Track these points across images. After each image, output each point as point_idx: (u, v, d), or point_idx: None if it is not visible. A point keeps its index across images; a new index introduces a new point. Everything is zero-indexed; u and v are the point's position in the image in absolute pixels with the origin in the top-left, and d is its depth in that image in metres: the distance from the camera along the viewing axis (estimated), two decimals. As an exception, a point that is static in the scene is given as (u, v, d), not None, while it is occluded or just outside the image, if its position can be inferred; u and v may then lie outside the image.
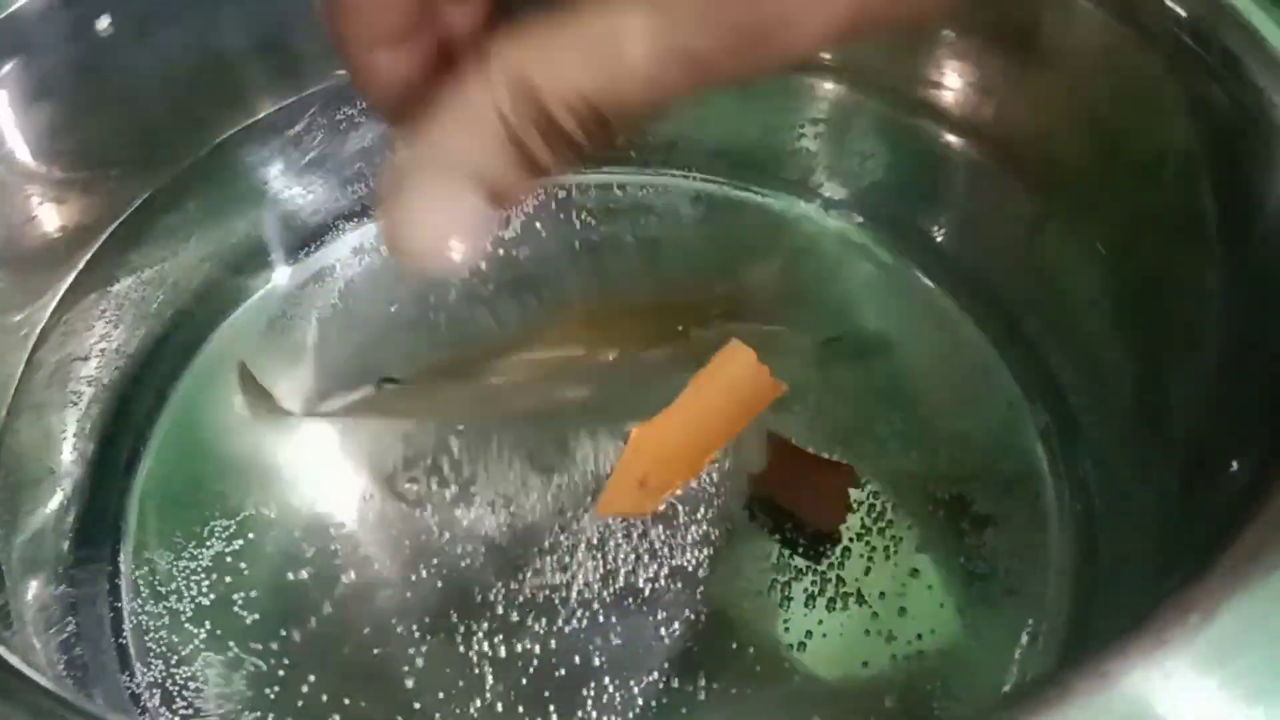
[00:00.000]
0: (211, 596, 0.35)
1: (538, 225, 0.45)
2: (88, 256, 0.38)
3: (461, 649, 0.34)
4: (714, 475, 0.37)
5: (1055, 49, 0.37)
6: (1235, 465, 0.26)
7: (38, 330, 0.36)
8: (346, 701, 0.33)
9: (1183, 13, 0.32)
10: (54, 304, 0.37)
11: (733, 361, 0.35)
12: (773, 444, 0.37)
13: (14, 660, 0.23)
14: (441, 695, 0.33)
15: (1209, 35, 0.31)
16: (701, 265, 0.43)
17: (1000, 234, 0.41)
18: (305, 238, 0.44)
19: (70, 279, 0.37)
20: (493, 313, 0.42)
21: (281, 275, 0.43)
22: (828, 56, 0.43)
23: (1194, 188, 0.32)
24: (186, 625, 0.35)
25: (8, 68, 0.34)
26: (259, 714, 0.33)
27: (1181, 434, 0.33)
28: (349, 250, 0.44)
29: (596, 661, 0.33)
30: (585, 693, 0.33)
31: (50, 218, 0.37)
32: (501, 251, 0.44)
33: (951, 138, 0.41)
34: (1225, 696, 0.20)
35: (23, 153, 0.35)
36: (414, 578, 0.35)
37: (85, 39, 0.35)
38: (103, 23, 0.35)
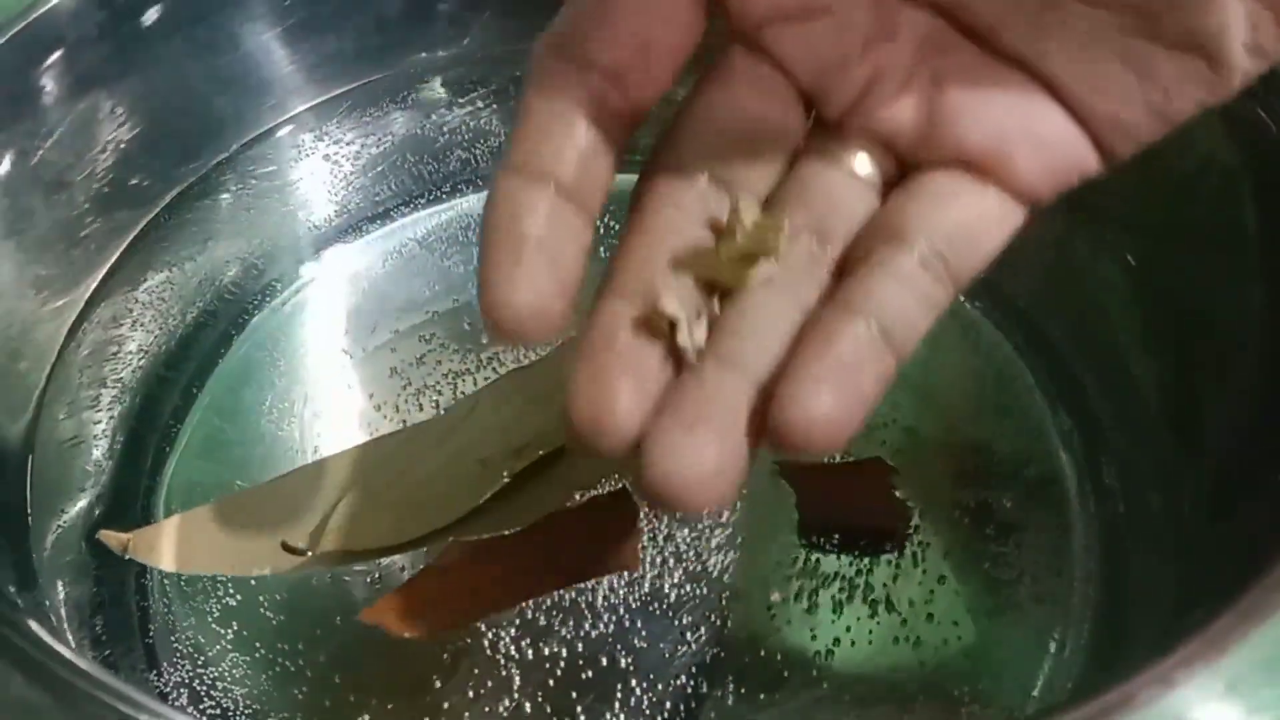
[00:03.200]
0: (238, 597, 0.35)
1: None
2: (118, 253, 0.38)
3: (489, 651, 0.34)
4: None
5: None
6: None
7: (68, 326, 0.36)
8: (374, 702, 0.33)
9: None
10: (83, 301, 0.37)
11: (614, 510, 0.35)
12: (792, 470, 0.37)
13: (66, 652, 0.23)
14: (470, 695, 0.33)
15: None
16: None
17: (1028, 243, 0.41)
18: (331, 237, 0.44)
19: (100, 274, 0.38)
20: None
21: (308, 275, 0.44)
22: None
23: (1234, 203, 0.32)
24: (213, 625, 0.35)
25: (52, 59, 0.34)
26: (286, 715, 0.33)
27: (1214, 445, 0.33)
28: (374, 252, 0.44)
29: (623, 664, 0.33)
30: (612, 696, 0.33)
31: (94, 209, 0.37)
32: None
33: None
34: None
35: (68, 143, 0.35)
36: (441, 579, 0.35)
37: (124, 33, 0.35)
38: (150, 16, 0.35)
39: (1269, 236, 0.31)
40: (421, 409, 0.39)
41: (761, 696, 0.33)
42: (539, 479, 0.36)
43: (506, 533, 0.34)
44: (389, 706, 0.33)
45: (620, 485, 0.36)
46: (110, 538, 0.34)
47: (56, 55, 0.35)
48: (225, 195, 0.41)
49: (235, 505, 0.36)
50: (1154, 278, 0.36)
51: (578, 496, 0.36)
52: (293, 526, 0.35)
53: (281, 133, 0.42)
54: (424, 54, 0.43)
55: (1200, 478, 0.33)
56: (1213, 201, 0.33)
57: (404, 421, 0.39)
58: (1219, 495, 0.32)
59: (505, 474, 0.36)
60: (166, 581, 0.36)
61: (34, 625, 0.25)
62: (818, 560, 0.35)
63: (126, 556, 0.34)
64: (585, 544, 0.35)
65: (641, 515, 0.35)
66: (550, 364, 0.39)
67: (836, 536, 0.36)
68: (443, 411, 0.39)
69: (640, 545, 0.35)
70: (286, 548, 0.34)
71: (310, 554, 0.34)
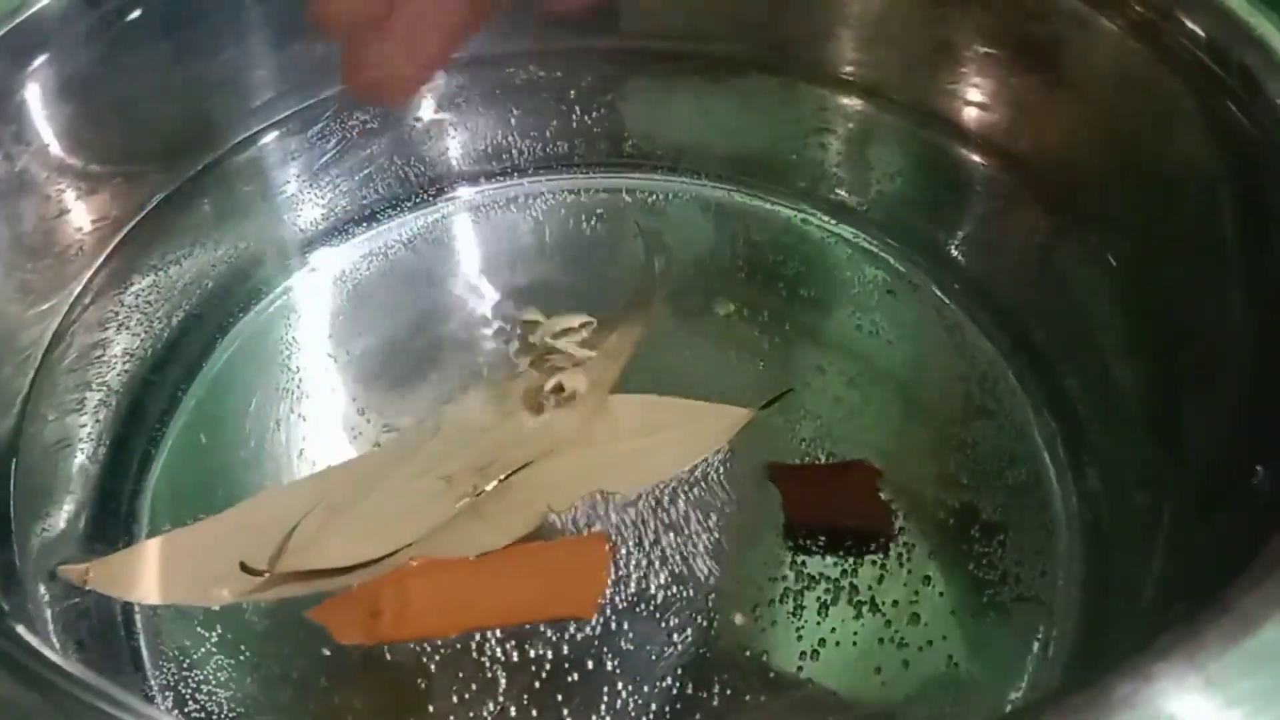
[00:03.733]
0: (223, 600, 0.35)
1: (546, 231, 0.45)
2: (103, 256, 0.38)
3: (474, 653, 0.34)
4: (724, 480, 0.37)
5: (1075, 67, 0.37)
6: (1258, 475, 0.26)
7: (53, 329, 0.36)
8: (358, 705, 0.33)
9: (1202, 33, 0.32)
10: (68, 305, 0.37)
11: (583, 554, 0.35)
12: (778, 472, 0.37)
13: (52, 654, 0.23)
14: (455, 700, 0.33)
15: (1228, 55, 0.31)
16: (711, 270, 0.44)
17: (1012, 247, 0.42)
18: (317, 240, 0.44)
19: (85, 278, 0.37)
20: (500, 317, 0.42)
21: (294, 278, 0.44)
22: (848, 69, 0.43)
23: (1214, 207, 0.32)
24: (198, 629, 0.34)
25: (38, 62, 0.34)
26: (271, 718, 0.33)
27: (1196, 449, 0.33)
28: (359, 254, 0.44)
29: (609, 667, 0.33)
30: (598, 698, 0.33)
31: (79, 213, 0.37)
32: (512, 258, 0.44)
33: (966, 152, 0.41)
34: (1263, 703, 0.20)
35: (54, 147, 0.35)
36: (426, 582, 0.35)
37: (110, 36, 0.35)
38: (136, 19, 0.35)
39: (1250, 243, 0.31)
40: (407, 412, 0.39)
41: (747, 698, 0.33)
42: (506, 501, 0.36)
43: (470, 557, 0.35)
44: (374, 710, 0.33)
45: (592, 530, 0.36)
46: (69, 571, 0.34)
47: (43, 58, 0.35)
48: (211, 199, 0.41)
49: (195, 534, 0.36)
50: (1137, 282, 0.36)
51: (553, 516, 0.36)
52: (254, 552, 0.35)
53: (268, 136, 0.42)
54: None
55: (1183, 481, 0.33)
56: (1194, 207, 0.33)
57: (387, 425, 0.39)
58: (1201, 498, 0.32)
59: (473, 491, 0.36)
60: (151, 585, 0.35)
61: (20, 629, 0.25)
62: (803, 562, 0.35)
63: (87, 588, 0.34)
64: (545, 583, 0.34)
65: (609, 567, 0.35)
66: (517, 381, 0.39)
67: (822, 538, 0.36)
68: (417, 420, 0.39)
69: (601, 596, 0.34)
70: (244, 568, 0.34)
71: (267, 574, 0.34)
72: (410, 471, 0.37)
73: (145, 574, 0.35)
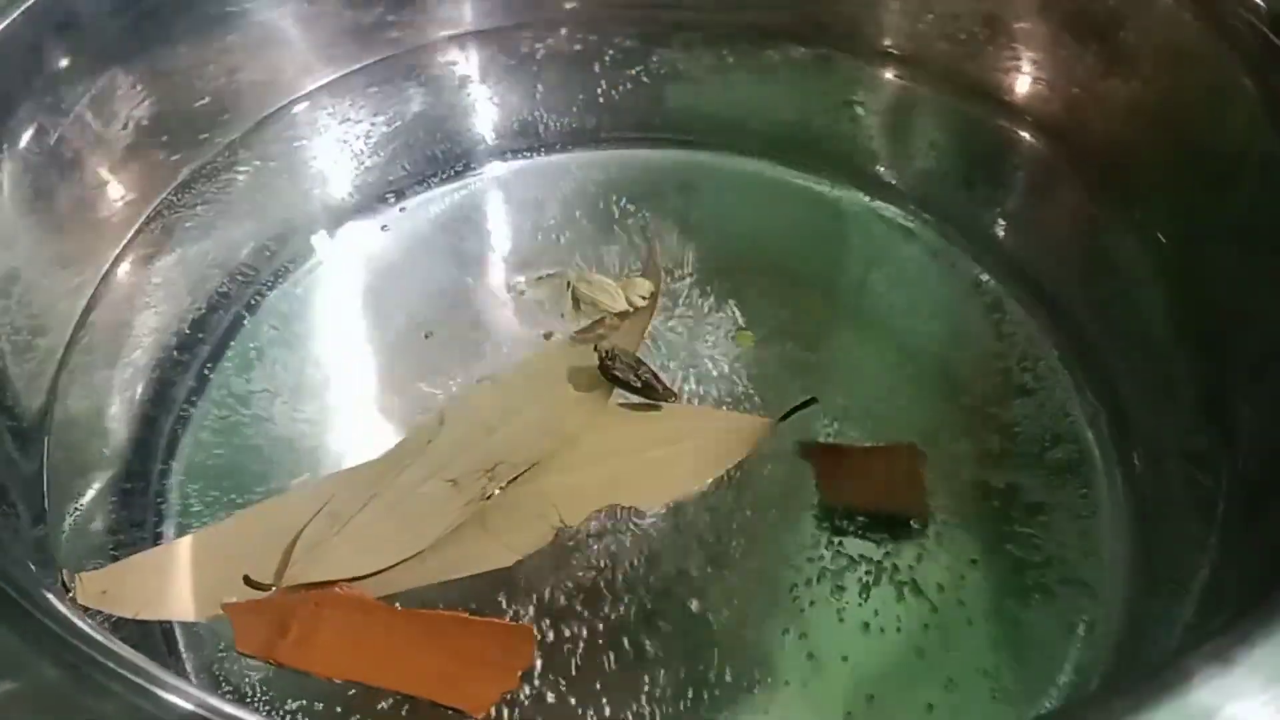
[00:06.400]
0: (255, 579, 0.35)
1: (576, 212, 0.44)
2: (133, 230, 0.38)
3: (510, 636, 0.33)
4: (760, 457, 0.37)
5: (1127, 40, 0.36)
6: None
7: (83, 305, 0.36)
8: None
9: (1262, 3, 0.31)
10: (97, 281, 0.37)
11: (505, 644, 0.33)
12: (817, 452, 0.37)
13: (89, 629, 0.22)
14: (490, 683, 0.33)
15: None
16: (742, 247, 0.43)
17: (1055, 223, 0.41)
18: (345, 217, 0.44)
19: (115, 253, 0.37)
20: (530, 295, 0.41)
21: (321, 254, 0.43)
22: (888, 40, 0.42)
23: (1272, 189, 0.31)
24: (231, 609, 0.34)
25: (68, 34, 0.34)
26: (304, 701, 0.33)
27: (1247, 434, 0.32)
28: (389, 230, 0.44)
29: (646, 650, 0.33)
30: (636, 683, 0.32)
31: (111, 186, 0.36)
32: (540, 235, 0.43)
33: (1009, 126, 0.41)
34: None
35: (87, 119, 0.35)
36: (460, 562, 0.35)
37: (139, 9, 0.35)
38: None
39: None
40: (436, 390, 0.39)
41: (788, 682, 0.32)
42: (517, 514, 0.35)
43: (399, 605, 0.33)
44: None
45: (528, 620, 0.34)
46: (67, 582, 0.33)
47: (71, 30, 0.34)
48: (239, 174, 0.41)
49: (195, 545, 0.35)
50: (1187, 263, 0.36)
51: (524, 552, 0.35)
52: (256, 563, 0.34)
53: (295, 110, 0.42)
54: (439, 31, 0.43)
55: (1233, 467, 0.33)
56: (1251, 187, 0.33)
57: (418, 405, 0.38)
58: (1253, 485, 0.32)
59: (482, 494, 0.35)
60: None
61: (51, 597, 0.25)
62: (841, 543, 0.35)
63: (73, 598, 0.32)
64: (451, 664, 0.32)
65: (521, 673, 0.33)
66: (519, 374, 0.39)
67: (860, 518, 0.35)
68: (445, 399, 0.38)
69: (501, 698, 0.32)
70: (249, 582, 0.33)
71: (275, 589, 0.33)
72: (415, 476, 0.36)
73: (141, 587, 0.34)
